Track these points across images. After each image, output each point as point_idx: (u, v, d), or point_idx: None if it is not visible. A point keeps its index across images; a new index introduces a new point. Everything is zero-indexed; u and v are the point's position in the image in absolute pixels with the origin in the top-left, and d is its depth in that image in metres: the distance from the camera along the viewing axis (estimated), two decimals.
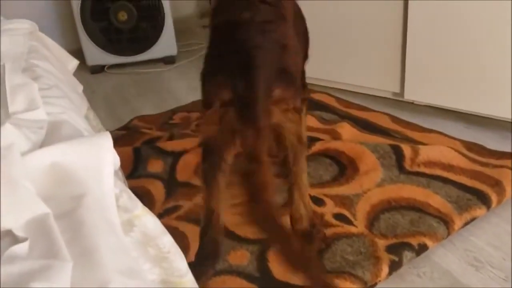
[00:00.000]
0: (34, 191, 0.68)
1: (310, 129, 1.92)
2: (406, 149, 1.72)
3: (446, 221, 1.41)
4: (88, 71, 3.07)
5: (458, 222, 1.41)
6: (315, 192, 1.58)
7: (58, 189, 0.70)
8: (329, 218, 1.47)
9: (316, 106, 2.19)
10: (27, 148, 0.75)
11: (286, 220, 1.30)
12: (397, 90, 2.21)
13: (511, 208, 1.50)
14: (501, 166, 1.62)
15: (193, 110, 2.33)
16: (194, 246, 1.24)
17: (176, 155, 1.85)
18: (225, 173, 1.17)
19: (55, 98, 1.04)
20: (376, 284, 1.26)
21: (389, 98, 2.28)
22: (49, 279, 0.55)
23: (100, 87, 2.91)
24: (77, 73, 1.77)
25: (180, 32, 3.25)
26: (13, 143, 0.70)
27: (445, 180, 1.58)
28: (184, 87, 2.75)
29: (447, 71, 1.99)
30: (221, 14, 1.20)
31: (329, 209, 1.51)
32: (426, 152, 1.70)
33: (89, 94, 2.45)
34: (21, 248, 0.60)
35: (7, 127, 0.75)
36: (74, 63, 1.76)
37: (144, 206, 0.77)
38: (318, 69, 2.30)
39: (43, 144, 0.79)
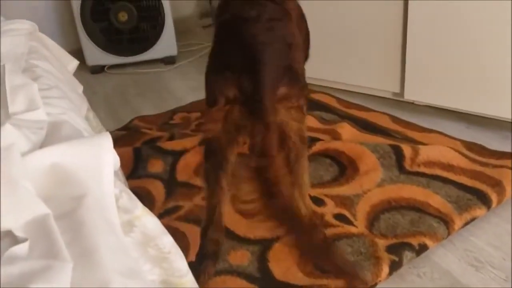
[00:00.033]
0: (34, 191, 0.68)
1: (310, 129, 1.91)
2: (406, 149, 1.72)
3: (446, 221, 1.41)
4: (88, 71, 3.07)
5: (458, 222, 1.41)
6: (315, 192, 1.58)
7: (58, 189, 0.70)
8: (329, 218, 1.47)
9: (316, 106, 2.19)
10: (27, 148, 0.75)
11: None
12: (397, 90, 2.21)
13: (511, 208, 1.50)
14: (501, 166, 1.62)
15: (193, 110, 2.33)
16: (194, 246, 1.25)
17: (176, 155, 1.85)
18: (227, 172, 1.17)
19: (55, 99, 1.04)
20: (376, 284, 1.26)
21: (389, 98, 2.28)
22: (49, 280, 0.55)
23: (100, 87, 2.91)
24: (77, 73, 1.78)
25: (180, 32, 3.25)
26: (13, 144, 0.70)
27: (445, 180, 1.58)
28: (184, 87, 2.74)
29: (447, 71, 1.99)
30: (227, 11, 1.20)
31: (329, 209, 1.51)
32: (426, 152, 1.70)
33: (90, 94, 2.45)
34: (21, 249, 0.61)
35: (7, 127, 0.75)
36: (74, 63, 1.76)
37: (144, 207, 0.77)
38: (318, 69, 2.30)
39: (43, 144, 0.79)
